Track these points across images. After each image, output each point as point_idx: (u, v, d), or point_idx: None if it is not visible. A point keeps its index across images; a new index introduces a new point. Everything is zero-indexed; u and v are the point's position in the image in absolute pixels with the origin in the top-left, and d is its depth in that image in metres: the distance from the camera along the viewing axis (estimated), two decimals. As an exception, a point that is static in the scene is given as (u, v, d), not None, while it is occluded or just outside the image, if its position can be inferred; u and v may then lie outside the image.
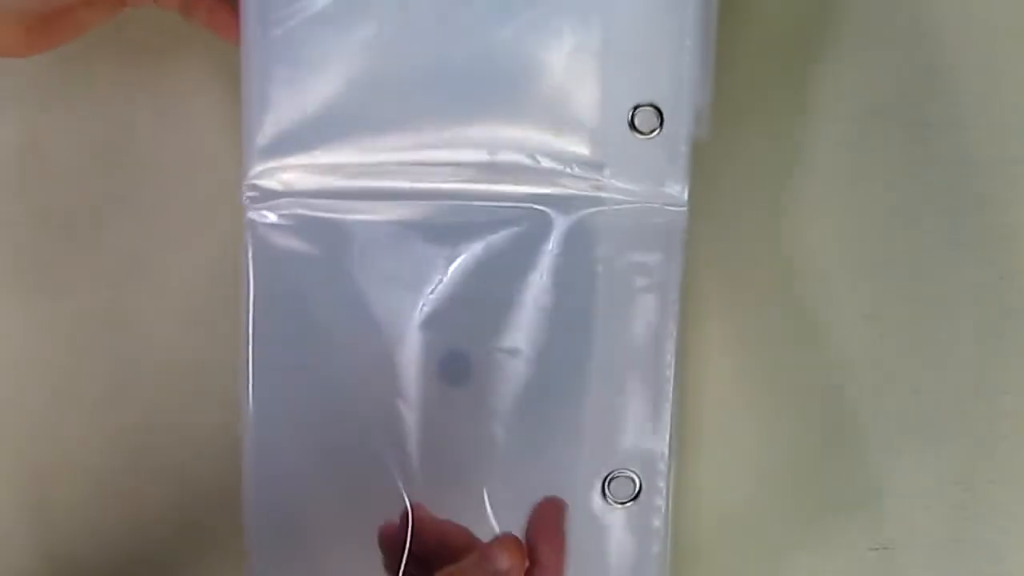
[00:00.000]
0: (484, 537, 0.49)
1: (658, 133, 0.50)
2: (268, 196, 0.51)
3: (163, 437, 0.55)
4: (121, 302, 0.55)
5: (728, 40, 0.55)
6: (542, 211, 0.51)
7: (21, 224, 0.56)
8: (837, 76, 0.55)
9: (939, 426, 0.55)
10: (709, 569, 0.55)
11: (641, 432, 0.51)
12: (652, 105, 0.50)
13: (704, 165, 0.55)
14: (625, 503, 0.51)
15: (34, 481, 0.55)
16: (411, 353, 0.51)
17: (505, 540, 0.46)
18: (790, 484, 0.55)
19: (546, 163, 0.51)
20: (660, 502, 0.51)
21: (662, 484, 0.51)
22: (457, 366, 0.52)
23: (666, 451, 0.50)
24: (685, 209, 0.50)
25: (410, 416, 0.51)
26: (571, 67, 0.50)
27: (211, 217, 0.55)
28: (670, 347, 0.50)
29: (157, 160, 0.55)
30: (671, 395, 0.50)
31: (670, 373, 0.50)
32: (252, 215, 0.51)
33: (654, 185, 0.51)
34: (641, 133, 0.50)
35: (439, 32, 0.50)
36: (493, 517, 0.51)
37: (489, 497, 0.51)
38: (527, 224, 0.51)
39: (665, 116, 0.49)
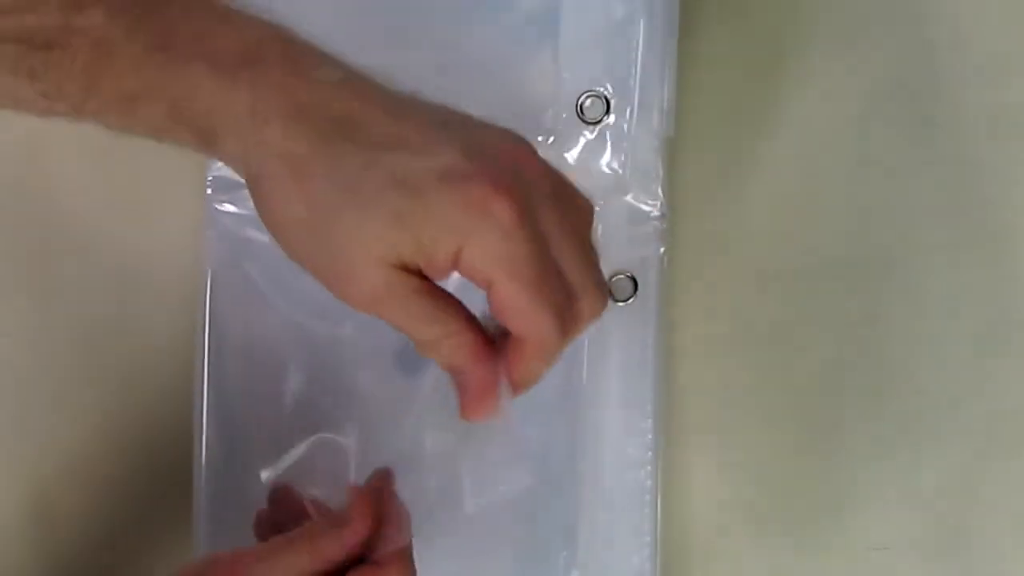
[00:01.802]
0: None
1: (604, 121, 0.50)
2: (229, 187, 0.52)
3: (163, 437, 0.55)
4: (121, 304, 0.55)
5: (727, 39, 0.55)
6: None
7: (21, 225, 0.56)
8: (837, 75, 0.55)
9: (939, 426, 0.55)
10: (707, 569, 0.55)
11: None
12: (599, 94, 0.50)
13: (703, 164, 0.55)
14: None
15: (34, 482, 0.55)
16: (367, 343, 0.52)
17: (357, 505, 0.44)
18: (789, 484, 0.55)
19: None
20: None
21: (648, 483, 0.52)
22: (412, 357, 0.52)
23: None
24: (630, 199, 0.52)
25: (363, 404, 0.52)
26: (524, 54, 0.51)
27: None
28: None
29: (157, 160, 0.55)
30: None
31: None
32: (213, 205, 0.52)
33: (600, 173, 0.51)
34: (588, 121, 0.50)
35: (393, 23, 0.52)
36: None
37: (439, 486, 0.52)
38: None
39: (612, 105, 0.50)
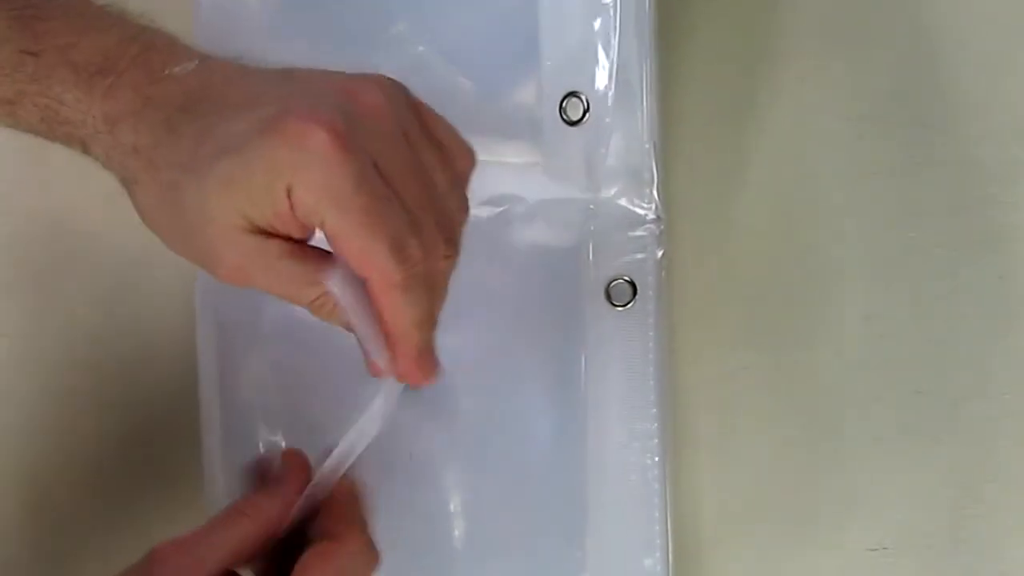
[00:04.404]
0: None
1: (587, 123, 0.50)
2: None
3: (164, 436, 0.55)
4: (121, 303, 0.55)
5: (724, 39, 0.55)
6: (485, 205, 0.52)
7: (21, 224, 0.56)
8: (837, 76, 0.55)
9: (939, 426, 0.55)
10: (709, 569, 0.55)
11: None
12: (580, 96, 0.51)
13: (700, 166, 0.55)
14: None
15: (34, 481, 0.55)
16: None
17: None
18: (790, 484, 0.55)
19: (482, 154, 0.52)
20: None
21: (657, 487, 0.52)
22: None
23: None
24: (623, 202, 0.52)
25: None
26: (505, 54, 0.51)
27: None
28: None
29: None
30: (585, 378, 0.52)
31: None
32: None
33: (581, 173, 0.51)
34: (570, 122, 0.51)
35: (377, 23, 0.52)
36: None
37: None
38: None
39: (593, 107, 0.50)
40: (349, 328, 0.39)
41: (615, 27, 0.51)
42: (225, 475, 0.53)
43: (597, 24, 0.50)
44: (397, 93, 0.39)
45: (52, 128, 0.39)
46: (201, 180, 0.37)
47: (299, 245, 0.38)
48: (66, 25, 0.39)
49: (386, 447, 0.52)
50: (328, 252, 0.38)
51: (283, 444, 0.53)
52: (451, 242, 0.39)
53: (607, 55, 0.51)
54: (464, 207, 0.41)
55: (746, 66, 0.55)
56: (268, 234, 0.37)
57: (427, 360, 0.40)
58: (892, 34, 0.55)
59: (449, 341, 0.52)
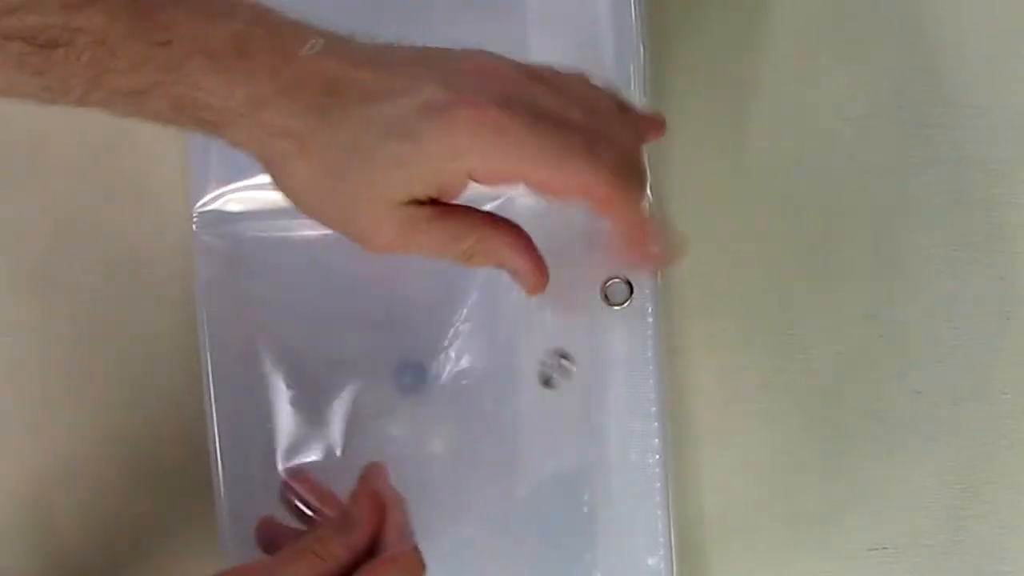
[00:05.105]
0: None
1: None
2: (215, 222, 0.53)
3: (165, 435, 0.55)
4: (121, 301, 0.56)
5: (723, 38, 0.55)
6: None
7: (21, 224, 0.56)
8: (838, 76, 0.55)
9: (939, 426, 0.55)
10: (711, 567, 0.55)
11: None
12: None
13: (698, 165, 0.55)
14: None
15: (34, 481, 0.55)
16: (365, 361, 0.52)
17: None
18: (790, 484, 0.55)
19: None
20: None
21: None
22: (412, 375, 0.52)
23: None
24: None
25: (364, 423, 0.52)
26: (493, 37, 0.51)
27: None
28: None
29: (157, 156, 0.56)
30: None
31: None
32: (202, 238, 0.53)
33: None
34: None
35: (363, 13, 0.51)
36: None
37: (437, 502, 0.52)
38: None
39: None
40: (502, 267, 0.44)
41: (607, 24, 0.51)
42: (229, 473, 0.53)
43: (588, 22, 0.50)
44: (511, 60, 0.42)
45: (181, 115, 0.40)
46: (366, 162, 0.40)
47: (443, 207, 0.41)
48: (187, 14, 0.39)
49: (388, 451, 0.52)
50: (464, 206, 0.42)
51: (283, 441, 0.53)
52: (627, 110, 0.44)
53: (598, 50, 0.51)
54: (634, 122, 0.44)
55: (744, 64, 0.55)
56: (419, 203, 0.41)
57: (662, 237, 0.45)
58: (892, 34, 0.55)
59: (445, 343, 0.52)
